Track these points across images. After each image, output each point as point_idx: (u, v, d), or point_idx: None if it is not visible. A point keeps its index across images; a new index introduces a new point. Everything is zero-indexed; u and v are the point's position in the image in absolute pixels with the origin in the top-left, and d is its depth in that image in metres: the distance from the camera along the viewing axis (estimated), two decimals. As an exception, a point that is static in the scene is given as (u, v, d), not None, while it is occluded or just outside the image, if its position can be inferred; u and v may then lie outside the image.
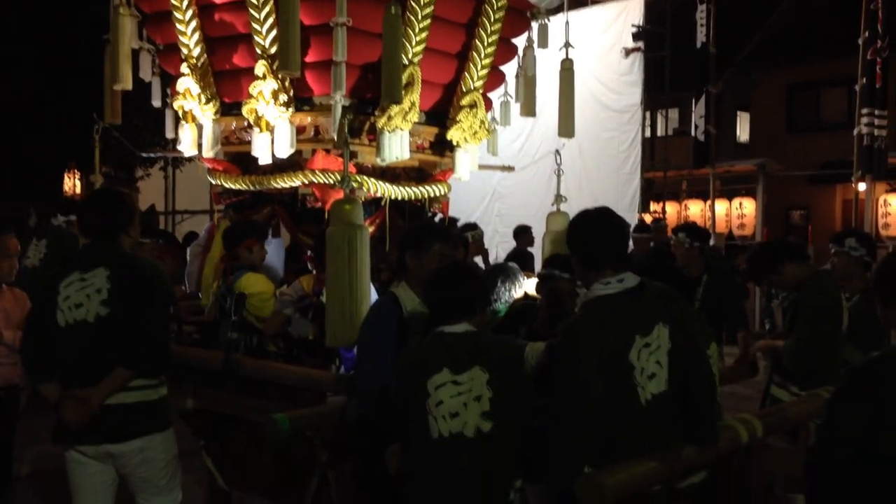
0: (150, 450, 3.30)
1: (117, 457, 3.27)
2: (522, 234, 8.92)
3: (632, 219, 10.70)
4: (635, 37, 12.91)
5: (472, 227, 7.46)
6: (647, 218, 12.91)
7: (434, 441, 2.73)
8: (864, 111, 11.56)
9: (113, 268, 3.27)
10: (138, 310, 3.23)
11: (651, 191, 16.14)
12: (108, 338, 3.21)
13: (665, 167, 15.27)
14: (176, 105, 5.00)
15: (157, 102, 5.54)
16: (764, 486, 3.31)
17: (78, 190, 14.21)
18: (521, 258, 7.87)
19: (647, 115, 15.51)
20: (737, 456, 3.05)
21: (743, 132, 21.83)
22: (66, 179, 14.22)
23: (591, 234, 2.81)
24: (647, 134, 15.55)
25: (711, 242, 9.95)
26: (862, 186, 12.59)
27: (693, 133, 14.95)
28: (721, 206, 16.19)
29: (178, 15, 4.86)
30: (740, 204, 16.45)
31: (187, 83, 4.89)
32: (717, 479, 3.06)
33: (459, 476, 2.71)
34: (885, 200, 14.40)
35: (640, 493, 2.64)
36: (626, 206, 12.74)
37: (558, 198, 5.07)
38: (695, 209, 16.96)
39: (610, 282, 2.72)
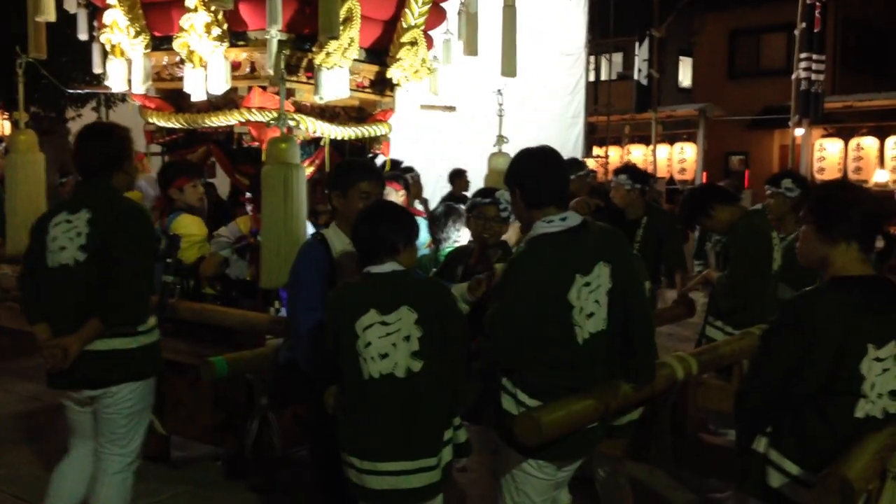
0: (119, 395, 3.23)
1: (94, 397, 3.24)
2: (457, 178, 8.86)
3: (575, 163, 10.73)
4: (580, -22, 12.81)
5: (409, 169, 7.39)
6: (591, 163, 12.99)
7: (365, 382, 2.71)
8: (803, 56, 11.72)
9: (94, 211, 3.14)
10: (114, 257, 3.10)
11: (594, 135, 16.22)
12: (84, 285, 3.11)
13: (608, 111, 15.34)
14: (103, 38, 4.75)
15: (83, 35, 5.22)
16: (698, 423, 3.38)
17: (7, 130, 13.64)
18: (456, 202, 7.82)
19: (592, 59, 15.50)
20: (672, 393, 3.10)
21: (685, 77, 22.02)
22: (-7, 120, 13.66)
23: (533, 170, 2.77)
24: (591, 78, 15.55)
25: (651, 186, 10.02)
26: (799, 131, 12.82)
27: (636, 77, 15.02)
28: (663, 150, 16.37)
29: (103, -58, 4.62)
30: (681, 149, 16.63)
31: (115, 15, 4.65)
32: (653, 415, 3.11)
33: (393, 416, 2.70)
34: (821, 145, 14.68)
35: (578, 431, 2.67)
36: (570, 149, 12.78)
37: (500, 138, 5.03)
38: (637, 154, 17.11)
39: (553, 220, 2.70)
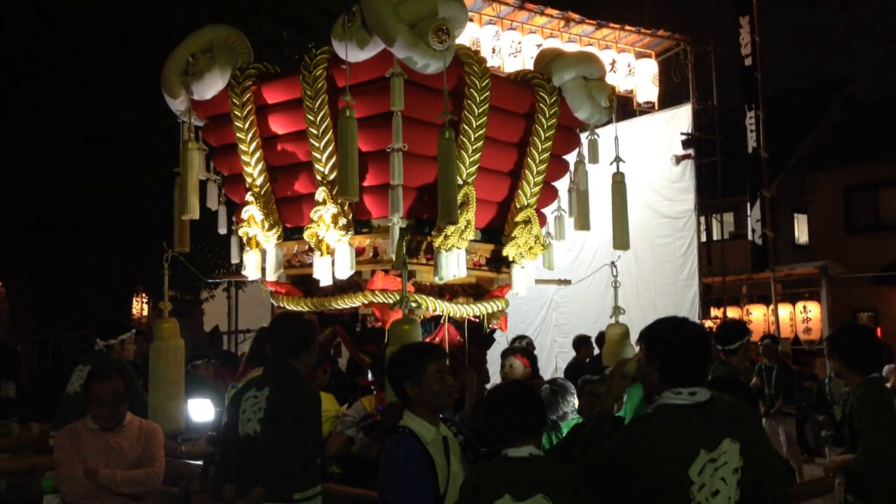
0: None
1: None
2: (583, 344, 8.85)
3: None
4: (685, 144, 13.04)
5: (523, 337, 7.42)
6: (708, 323, 12.69)
7: None
8: (926, 209, 11.36)
9: (273, 388, 3.67)
10: (276, 430, 3.58)
11: (710, 296, 15.91)
12: (259, 455, 3.60)
13: (723, 272, 15.12)
14: (241, 232, 5.18)
15: (223, 230, 5.64)
16: None
17: (145, 313, 14.59)
18: (579, 369, 7.79)
19: (702, 219, 15.48)
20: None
21: (801, 234, 21.59)
22: (135, 303, 14.63)
23: (678, 350, 2.73)
24: (703, 238, 15.46)
25: (779, 348, 9.70)
26: (930, 286, 12.23)
27: (750, 237, 14.86)
28: (784, 310, 15.85)
29: (242, 147, 5.11)
30: (804, 307, 16.05)
31: (251, 210, 5.08)
32: None
33: None
34: (956, 299, 13.93)
35: None
36: (686, 312, 12.57)
37: (616, 310, 5.06)
38: (757, 314, 16.60)
39: (682, 392, 2.70)
